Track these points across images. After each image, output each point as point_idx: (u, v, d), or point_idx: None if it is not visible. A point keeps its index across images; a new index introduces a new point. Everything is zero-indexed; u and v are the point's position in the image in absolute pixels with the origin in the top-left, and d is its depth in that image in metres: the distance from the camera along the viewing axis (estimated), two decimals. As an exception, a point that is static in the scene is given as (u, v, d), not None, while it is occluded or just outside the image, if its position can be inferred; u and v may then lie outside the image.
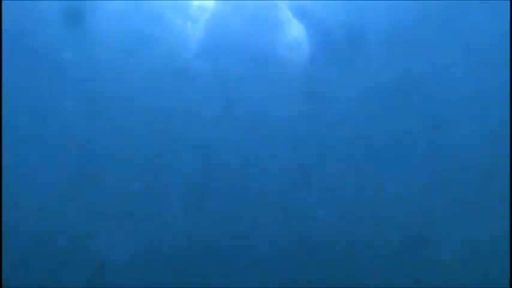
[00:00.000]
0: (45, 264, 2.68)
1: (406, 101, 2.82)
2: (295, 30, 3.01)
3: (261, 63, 2.91)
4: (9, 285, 2.56)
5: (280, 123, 2.86)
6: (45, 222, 2.70)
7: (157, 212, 2.75)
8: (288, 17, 3.05)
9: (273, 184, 2.81)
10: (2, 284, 2.55)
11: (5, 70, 2.76)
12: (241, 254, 2.76)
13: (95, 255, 2.70)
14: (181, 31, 2.97)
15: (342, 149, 2.83)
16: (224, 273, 2.74)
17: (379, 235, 2.76)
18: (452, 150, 2.81)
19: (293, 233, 2.77)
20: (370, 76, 2.83)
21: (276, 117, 2.85)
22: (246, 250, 2.76)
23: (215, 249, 2.75)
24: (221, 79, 2.86)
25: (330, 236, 2.77)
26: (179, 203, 2.76)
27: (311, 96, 2.87)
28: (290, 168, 2.84)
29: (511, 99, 2.75)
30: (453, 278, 2.72)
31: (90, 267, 2.68)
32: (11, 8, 2.83)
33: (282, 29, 3.01)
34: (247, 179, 2.81)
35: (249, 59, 2.91)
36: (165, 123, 2.82)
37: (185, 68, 2.88)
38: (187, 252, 2.74)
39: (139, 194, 2.75)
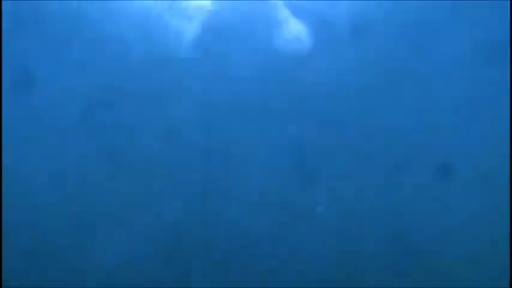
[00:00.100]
0: (45, 264, 2.67)
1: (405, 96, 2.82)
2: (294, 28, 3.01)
3: (260, 61, 2.92)
4: (9, 285, 2.55)
5: (278, 125, 2.86)
6: (45, 222, 2.70)
7: (158, 212, 2.75)
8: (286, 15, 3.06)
9: (273, 184, 2.82)
10: (2, 284, 2.55)
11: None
12: (241, 255, 2.76)
13: (94, 255, 2.69)
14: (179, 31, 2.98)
15: (342, 147, 2.84)
16: (224, 274, 2.74)
17: (380, 235, 2.77)
18: (451, 149, 2.82)
19: (294, 234, 2.78)
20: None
21: (273, 120, 2.86)
22: (246, 250, 2.76)
23: (215, 250, 2.76)
24: (220, 77, 2.87)
25: (331, 236, 2.77)
26: (179, 202, 2.77)
27: (308, 96, 2.87)
28: (289, 167, 2.84)
29: (511, 100, 2.77)
30: (453, 278, 2.72)
31: (90, 267, 2.68)
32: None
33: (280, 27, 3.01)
34: (247, 179, 2.82)
35: (249, 57, 2.92)
36: (163, 123, 2.82)
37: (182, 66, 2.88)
38: (188, 253, 2.74)
39: (140, 194, 2.75)
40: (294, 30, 3.00)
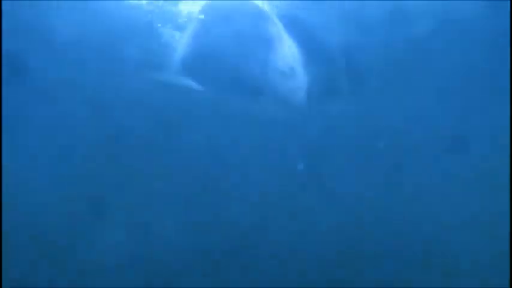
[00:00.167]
0: (45, 264, 2.67)
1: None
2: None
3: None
4: (10, 285, 2.55)
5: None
6: (45, 222, 2.69)
7: (158, 212, 2.75)
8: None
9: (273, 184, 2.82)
10: (1, 284, 2.55)
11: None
12: (242, 256, 2.77)
13: (94, 255, 2.69)
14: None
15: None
16: (224, 274, 2.74)
17: (380, 235, 2.77)
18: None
19: (294, 235, 2.78)
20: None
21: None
22: (247, 251, 2.77)
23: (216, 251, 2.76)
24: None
25: (331, 236, 2.78)
26: (179, 205, 2.77)
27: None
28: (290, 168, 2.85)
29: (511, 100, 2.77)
30: (453, 278, 2.73)
31: (90, 267, 2.68)
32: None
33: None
34: (247, 184, 2.82)
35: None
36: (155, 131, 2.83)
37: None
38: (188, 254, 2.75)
39: (140, 194, 2.75)
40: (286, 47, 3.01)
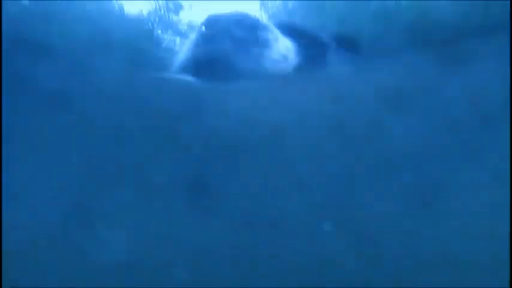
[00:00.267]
0: (45, 264, 2.67)
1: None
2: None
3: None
4: (10, 285, 2.55)
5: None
6: (45, 222, 2.70)
7: (158, 212, 2.75)
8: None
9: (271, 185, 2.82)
10: (1, 284, 2.55)
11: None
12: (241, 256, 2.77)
13: (94, 255, 2.69)
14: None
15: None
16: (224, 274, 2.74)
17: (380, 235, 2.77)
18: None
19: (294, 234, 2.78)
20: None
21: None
22: (247, 250, 2.77)
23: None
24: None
25: (331, 237, 2.78)
26: (182, 203, 2.78)
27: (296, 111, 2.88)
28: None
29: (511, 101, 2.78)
30: (453, 278, 2.72)
31: (89, 267, 2.68)
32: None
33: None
34: (247, 184, 2.83)
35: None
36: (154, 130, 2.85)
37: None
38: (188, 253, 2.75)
39: (140, 194, 2.75)
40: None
